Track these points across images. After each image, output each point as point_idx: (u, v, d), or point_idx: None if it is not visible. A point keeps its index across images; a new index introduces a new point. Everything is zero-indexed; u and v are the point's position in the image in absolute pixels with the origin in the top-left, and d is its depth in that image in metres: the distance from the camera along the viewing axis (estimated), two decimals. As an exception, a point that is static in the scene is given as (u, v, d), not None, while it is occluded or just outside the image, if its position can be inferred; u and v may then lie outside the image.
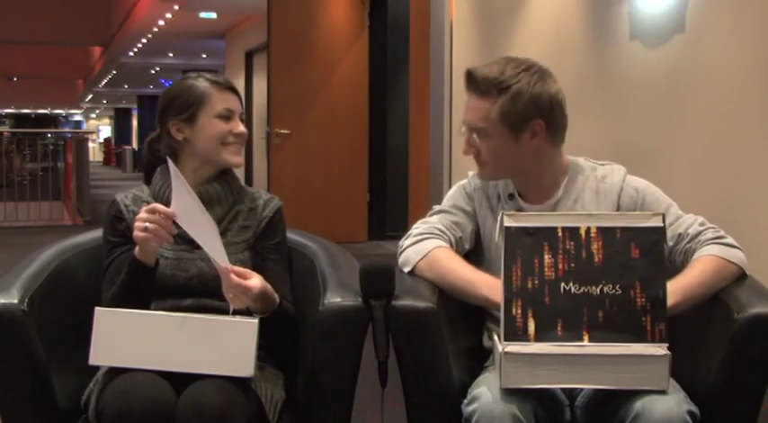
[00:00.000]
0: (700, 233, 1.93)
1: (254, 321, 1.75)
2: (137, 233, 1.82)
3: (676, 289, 1.79)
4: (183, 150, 2.05)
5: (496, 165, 1.98)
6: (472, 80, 1.95)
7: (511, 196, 2.03)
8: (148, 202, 2.03)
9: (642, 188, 2.00)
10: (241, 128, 2.05)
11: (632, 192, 1.99)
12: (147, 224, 1.80)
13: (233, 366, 1.72)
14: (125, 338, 1.74)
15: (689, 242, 1.93)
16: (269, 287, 1.90)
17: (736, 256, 1.90)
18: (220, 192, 2.04)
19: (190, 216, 1.81)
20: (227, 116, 2.03)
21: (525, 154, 1.95)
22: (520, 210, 2.00)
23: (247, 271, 1.87)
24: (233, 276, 1.82)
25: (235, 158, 2.05)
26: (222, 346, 1.72)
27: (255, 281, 1.86)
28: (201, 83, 2.04)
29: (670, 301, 1.71)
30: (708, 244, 1.91)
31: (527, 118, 1.92)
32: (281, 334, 1.97)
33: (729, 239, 1.93)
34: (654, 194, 2.00)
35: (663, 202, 1.98)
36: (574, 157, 2.06)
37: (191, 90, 2.04)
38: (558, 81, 1.98)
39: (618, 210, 1.97)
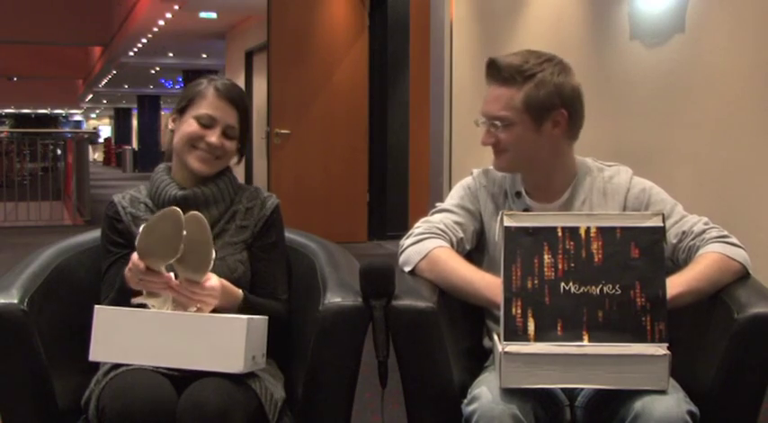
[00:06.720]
0: (704, 231, 1.93)
1: (244, 318, 1.77)
2: (131, 276, 1.82)
3: (679, 282, 1.80)
4: (174, 145, 2.05)
5: (515, 154, 1.96)
6: (494, 68, 1.93)
7: (518, 194, 2.03)
8: (146, 204, 2.04)
9: (648, 188, 2.00)
10: (213, 139, 1.98)
11: (639, 192, 1.99)
12: (141, 278, 1.81)
13: (224, 362, 1.75)
14: (123, 335, 1.78)
15: (693, 239, 1.93)
16: (225, 283, 1.90)
17: (740, 254, 1.90)
18: (216, 193, 2.02)
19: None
20: (206, 123, 1.99)
21: (544, 145, 1.95)
22: (527, 208, 1.99)
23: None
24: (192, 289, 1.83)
25: (197, 164, 1.99)
26: (214, 342, 1.76)
27: (214, 281, 1.86)
28: (206, 83, 2.03)
29: (672, 292, 1.72)
30: (712, 242, 1.91)
31: (551, 107, 1.92)
32: (270, 330, 1.91)
33: (733, 239, 1.93)
34: (659, 194, 2.00)
35: (668, 202, 1.99)
36: (581, 157, 2.05)
37: (193, 86, 2.05)
38: None
39: (624, 210, 1.97)
